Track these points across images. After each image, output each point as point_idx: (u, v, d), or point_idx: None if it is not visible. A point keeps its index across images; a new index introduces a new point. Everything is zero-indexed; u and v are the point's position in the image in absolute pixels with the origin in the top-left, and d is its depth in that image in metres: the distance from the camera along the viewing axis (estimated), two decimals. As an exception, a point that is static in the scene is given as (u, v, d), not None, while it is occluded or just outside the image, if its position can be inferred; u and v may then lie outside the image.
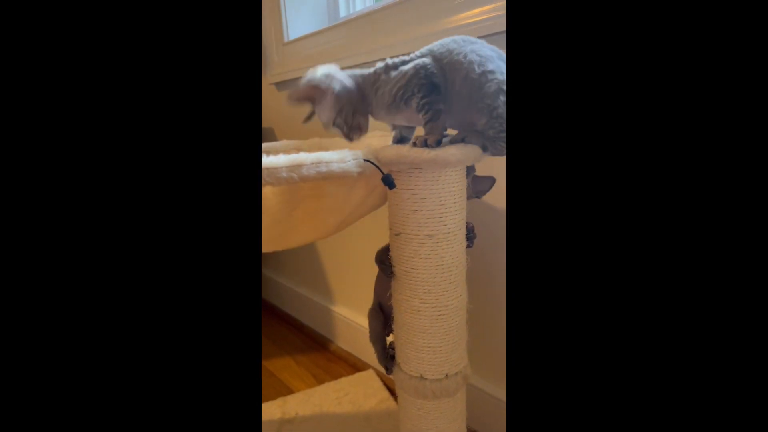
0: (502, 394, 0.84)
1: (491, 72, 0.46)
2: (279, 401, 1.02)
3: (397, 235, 0.54)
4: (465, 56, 0.47)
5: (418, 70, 0.48)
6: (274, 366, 1.21)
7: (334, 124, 0.55)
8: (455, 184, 0.52)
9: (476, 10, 0.73)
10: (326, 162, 0.45)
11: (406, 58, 0.52)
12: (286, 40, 1.18)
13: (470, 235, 0.58)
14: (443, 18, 0.79)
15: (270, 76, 1.24)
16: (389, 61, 0.53)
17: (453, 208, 0.52)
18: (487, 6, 0.71)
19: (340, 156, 0.46)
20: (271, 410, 0.99)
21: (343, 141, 0.62)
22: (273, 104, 1.30)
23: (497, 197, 0.76)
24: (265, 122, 1.35)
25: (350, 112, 0.54)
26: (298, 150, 0.87)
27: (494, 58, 0.48)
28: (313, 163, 0.44)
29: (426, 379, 0.56)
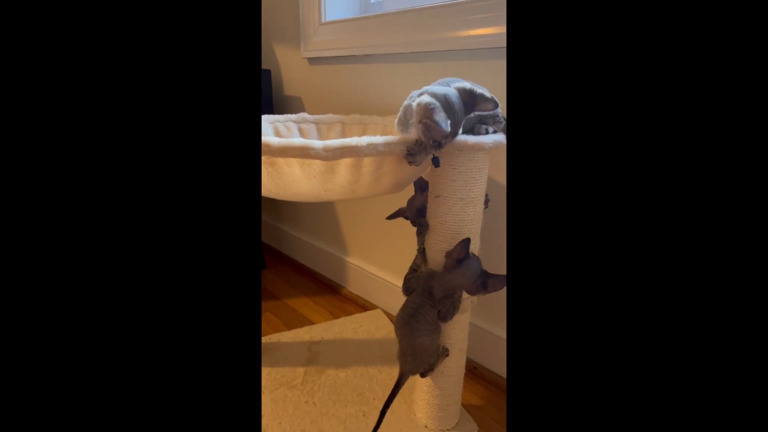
0: (496, 330, 1.09)
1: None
2: (306, 328, 1.25)
3: (437, 197, 0.75)
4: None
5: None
6: (295, 304, 1.43)
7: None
8: (483, 163, 0.73)
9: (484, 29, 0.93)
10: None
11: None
12: (323, 20, 1.33)
13: (486, 200, 0.80)
14: (455, 30, 0.99)
15: (305, 51, 1.40)
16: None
17: (479, 180, 0.74)
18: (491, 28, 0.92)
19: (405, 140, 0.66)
20: (300, 335, 1.22)
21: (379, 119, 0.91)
22: (304, 77, 1.46)
23: (502, 175, 0.98)
24: (296, 92, 1.51)
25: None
26: (342, 124, 1.06)
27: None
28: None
29: (447, 300, 0.79)
